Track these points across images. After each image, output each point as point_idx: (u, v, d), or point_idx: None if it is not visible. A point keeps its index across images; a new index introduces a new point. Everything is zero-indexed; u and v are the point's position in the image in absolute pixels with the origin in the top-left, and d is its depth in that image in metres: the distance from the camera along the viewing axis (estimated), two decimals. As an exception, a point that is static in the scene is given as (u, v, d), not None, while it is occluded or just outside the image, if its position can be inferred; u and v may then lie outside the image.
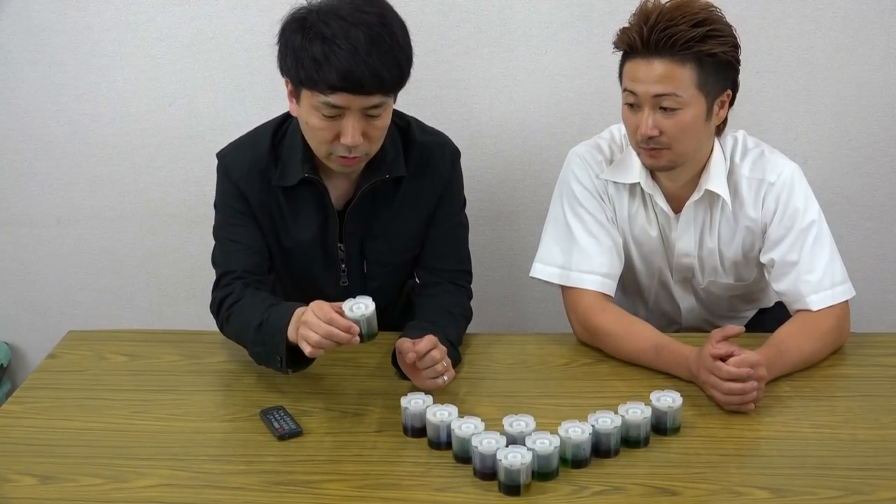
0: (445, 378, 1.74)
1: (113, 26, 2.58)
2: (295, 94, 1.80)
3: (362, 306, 1.67)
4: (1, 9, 2.59)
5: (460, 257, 2.05)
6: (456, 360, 1.83)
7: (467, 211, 2.07)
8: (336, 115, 1.74)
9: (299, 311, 1.73)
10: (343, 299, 2.02)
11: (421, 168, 1.95)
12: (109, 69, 2.62)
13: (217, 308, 1.93)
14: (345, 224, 1.94)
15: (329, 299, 2.02)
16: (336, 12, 1.71)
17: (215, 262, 1.98)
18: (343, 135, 1.75)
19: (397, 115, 1.93)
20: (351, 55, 1.67)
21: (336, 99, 1.71)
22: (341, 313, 1.67)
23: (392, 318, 2.14)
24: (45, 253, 2.87)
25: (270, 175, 1.90)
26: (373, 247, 1.98)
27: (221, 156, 1.97)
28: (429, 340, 1.73)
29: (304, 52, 1.71)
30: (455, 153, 2.02)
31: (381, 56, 1.70)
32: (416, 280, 2.11)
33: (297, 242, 1.96)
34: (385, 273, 2.03)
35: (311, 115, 1.76)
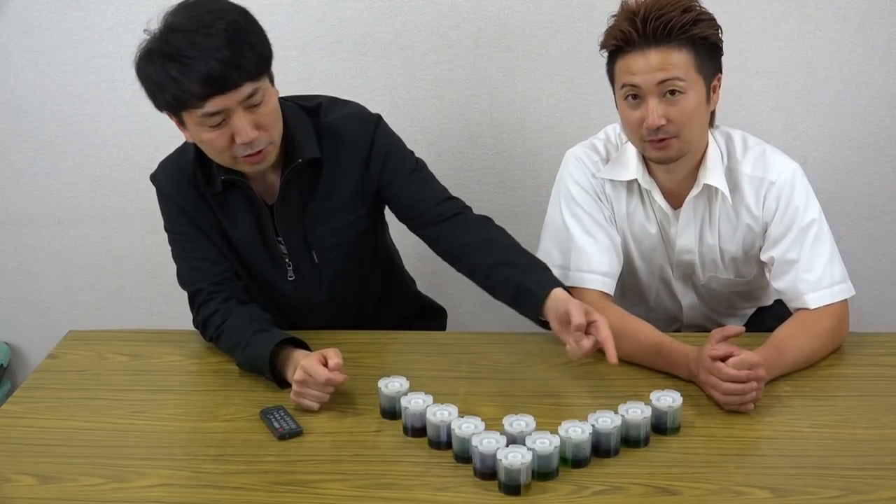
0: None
1: (113, 26, 2.58)
2: (180, 123, 1.81)
3: (397, 384, 1.73)
4: (1, 9, 2.59)
5: (438, 189, 2.01)
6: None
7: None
8: (221, 121, 1.74)
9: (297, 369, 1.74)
10: (294, 294, 2.03)
11: (335, 145, 1.94)
12: (109, 69, 2.62)
13: (203, 327, 1.95)
14: (276, 218, 1.95)
15: (282, 295, 2.03)
16: (173, 28, 1.72)
17: (182, 281, 2.00)
18: (237, 135, 1.75)
19: (304, 98, 1.95)
20: (203, 60, 1.68)
21: (211, 105, 1.72)
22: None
23: (377, 310, 2.13)
24: (45, 253, 2.87)
25: (199, 183, 1.92)
26: (315, 235, 1.98)
27: (153, 177, 2.00)
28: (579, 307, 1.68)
29: (162, 78, 1.72)
30: (368, 118, 1.99)
31: (231, 46, 1.70)
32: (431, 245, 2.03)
33: (240, 244, 1.97)
34: (336, 257, 2.01)
35: (200, 132, 1.77)
